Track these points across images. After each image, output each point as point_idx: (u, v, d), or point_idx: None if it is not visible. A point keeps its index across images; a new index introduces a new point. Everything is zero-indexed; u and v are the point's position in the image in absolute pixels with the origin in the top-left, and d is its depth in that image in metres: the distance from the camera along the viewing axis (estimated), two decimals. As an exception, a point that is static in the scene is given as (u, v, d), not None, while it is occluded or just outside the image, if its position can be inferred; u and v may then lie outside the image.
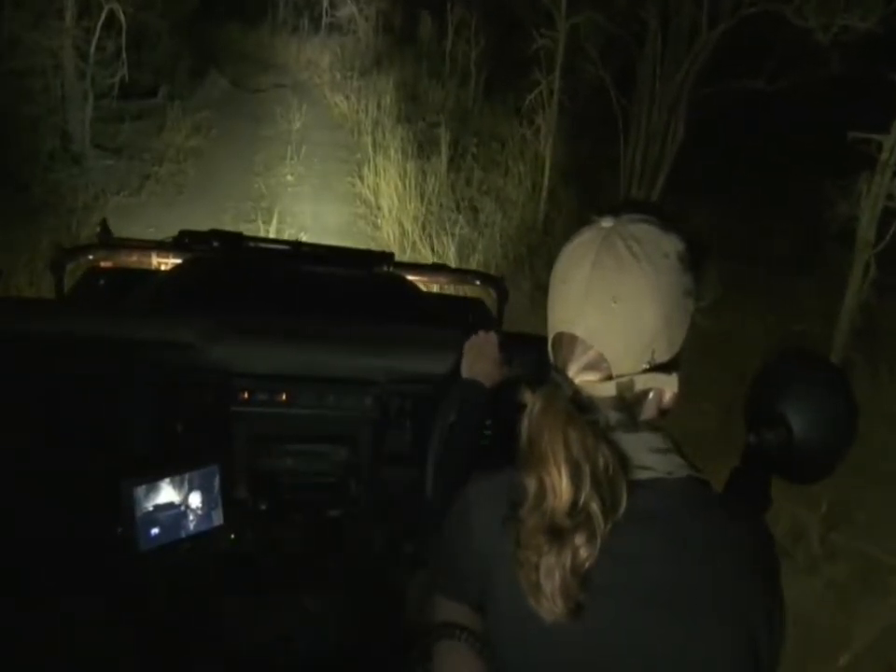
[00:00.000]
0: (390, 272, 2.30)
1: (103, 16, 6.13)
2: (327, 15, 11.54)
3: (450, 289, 3.11)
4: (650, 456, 0.81)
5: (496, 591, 0.87)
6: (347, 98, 8.97)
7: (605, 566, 0.78)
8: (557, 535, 0.77)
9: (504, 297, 2.41)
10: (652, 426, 0.84)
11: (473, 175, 6.96)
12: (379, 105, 8.40)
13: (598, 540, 0.76)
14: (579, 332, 0.82)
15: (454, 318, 2.25)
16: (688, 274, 0.81)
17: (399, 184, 6.14)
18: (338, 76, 10.34)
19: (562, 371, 0.83)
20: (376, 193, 6.31)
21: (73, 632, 1.42)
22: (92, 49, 6.25)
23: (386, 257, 2.32)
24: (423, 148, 7.17)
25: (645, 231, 0.81)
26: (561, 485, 0.77)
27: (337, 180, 6.90)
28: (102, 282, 2.20)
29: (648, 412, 0.84)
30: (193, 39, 9.66)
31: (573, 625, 0.79)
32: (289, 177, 6.84)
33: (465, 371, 1.40)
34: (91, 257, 2.21)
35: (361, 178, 6.69)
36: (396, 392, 1.71)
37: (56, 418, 1.53)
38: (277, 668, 1.56)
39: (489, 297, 2.58)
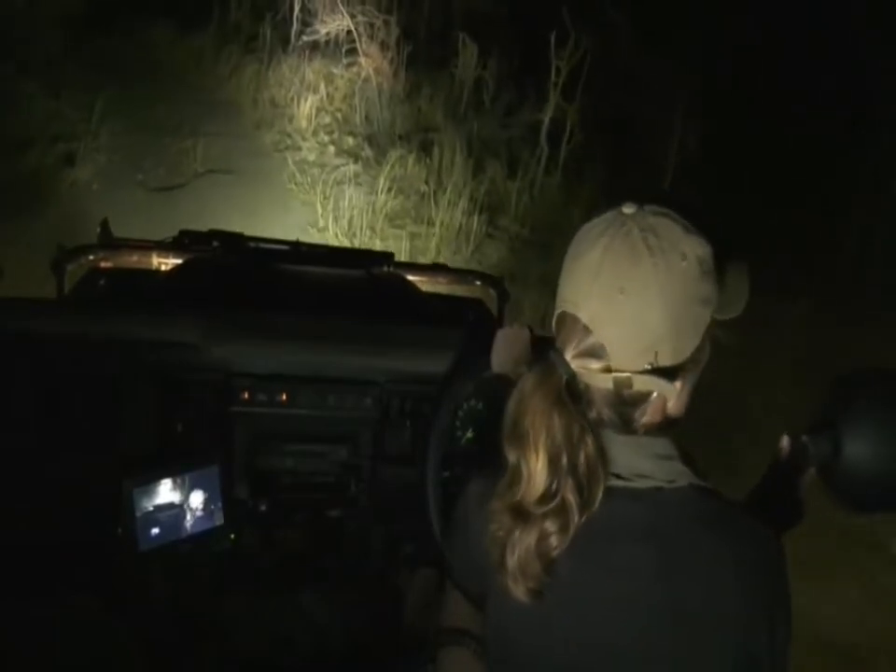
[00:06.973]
0: (390, 271, 2.30)
1: None
2: (299, 24, 6.40)
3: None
4: (649, 463, 0.78)
5: (491, 595, 0.86)
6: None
7: (601, 578, 0.77)
8: (523, 515, 0.76)
9: (504, 297, 2.41)
10: (656, 431, 0.80)
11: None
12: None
13: (571, 531, 0.75)
14: (582, 316, 0.77)
15: (453, 318, 2.25)
16: (707, 282, 0.76)
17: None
18: (332, 149, 5.62)
19: (560, 353, 0.78)
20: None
21: (72, 632, 1.42)
22: None
23: (386, 257, 2.33)
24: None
25: (665, 225, 0.76)
26: (536, 471, 0.75)
27: None
28: (102, 282, 2.20)
29: (651, 415, 0.79)
30: (73, 60, 5.49)
31: (572, 637, 0.78)
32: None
33: (497, 366, 1.27)
34: (91, 257, 2.21)
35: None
36: (396, 392, 1.71)
37: (56, 418, 1.53)
38: (277, 668, 1.56)
39: (489, 297, 2.57)
